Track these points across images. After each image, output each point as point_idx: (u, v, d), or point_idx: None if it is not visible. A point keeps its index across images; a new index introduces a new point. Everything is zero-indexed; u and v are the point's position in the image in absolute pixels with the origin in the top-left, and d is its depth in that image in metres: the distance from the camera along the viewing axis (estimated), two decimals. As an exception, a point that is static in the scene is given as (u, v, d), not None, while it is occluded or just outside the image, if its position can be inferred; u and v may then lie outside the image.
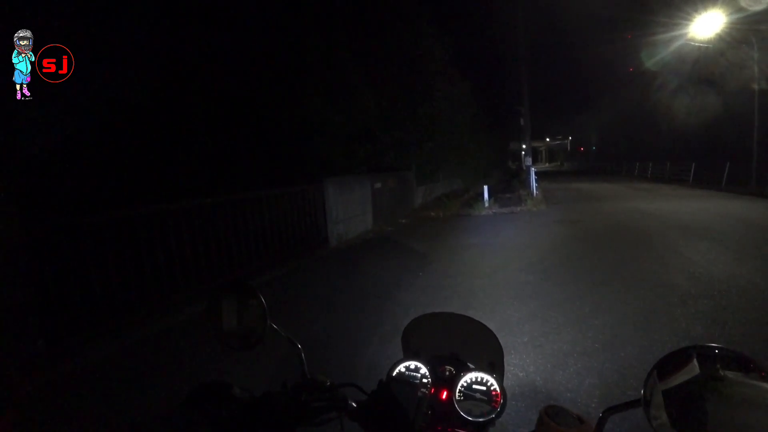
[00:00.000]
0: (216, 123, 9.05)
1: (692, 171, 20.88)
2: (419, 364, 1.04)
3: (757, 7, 14.19)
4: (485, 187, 14.03)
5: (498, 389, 0.96)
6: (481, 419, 0.90)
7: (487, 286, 5.45)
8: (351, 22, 11.19)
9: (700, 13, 15.75)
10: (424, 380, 1.01)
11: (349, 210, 9.45)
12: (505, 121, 27.71)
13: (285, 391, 0.84)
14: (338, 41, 10.50)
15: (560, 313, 4.32)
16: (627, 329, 3.81)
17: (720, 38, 16.64)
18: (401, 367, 1.05)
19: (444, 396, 0.97)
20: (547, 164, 68.92)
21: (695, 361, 0.59)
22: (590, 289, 5.11)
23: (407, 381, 1.00)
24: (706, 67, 20.06)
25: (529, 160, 19.08)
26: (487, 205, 13.45)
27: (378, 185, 11.12)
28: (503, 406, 0.94)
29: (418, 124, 13.86)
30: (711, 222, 9.23)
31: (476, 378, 0.98)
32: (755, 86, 15.25)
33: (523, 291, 5.18)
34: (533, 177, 16.53)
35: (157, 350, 4.16)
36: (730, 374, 0.57)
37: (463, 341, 1.15)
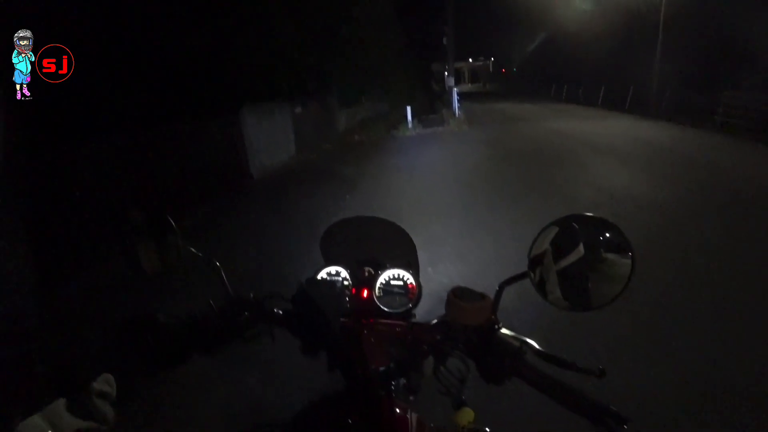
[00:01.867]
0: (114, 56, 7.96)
1: (601, 94, 22.10)
2: (339, 268, 1.08)
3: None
4: (408, 109, 14.01)
5: (414, 282, 1.04)
6: (398, 310, 0.98)
7: (414, 205, 5.68)
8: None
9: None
10: (345, 282, 1.06)
11: (271, 139, 9.11)
12: (429, 41, 27.16)
13: (211, 311, 0.84)
14: None
15: (481, 228, 4.63)
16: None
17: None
18: (323, 273, 1.08)
19: (365, 294, 1.03)
20: (469, 85, 69.48)
21: (581, 246, 0.70)
22: (510, 204, 5.50)
23: (325, 281, 1.04)
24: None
25: (451, 81, 19.19)
26: (411, 126, 13.54)
27: (299, 110, 10.71)
28: (418, 296, 1.02)
29: (337, 46, 13.20)
30: (614, 140, 10.18)
31: (393, 275, 1.05)
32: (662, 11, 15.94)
33: (449, 209, 5.46)
34: (456, 98, 16.71)
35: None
36: (609, 256, 0.70)
37: (380, 243, 1.21)
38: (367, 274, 1.07)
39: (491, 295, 0.80)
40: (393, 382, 0.98)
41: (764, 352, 2.40)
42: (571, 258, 0.70)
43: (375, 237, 1.24)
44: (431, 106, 20.55)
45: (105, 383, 0.62)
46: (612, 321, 2.67)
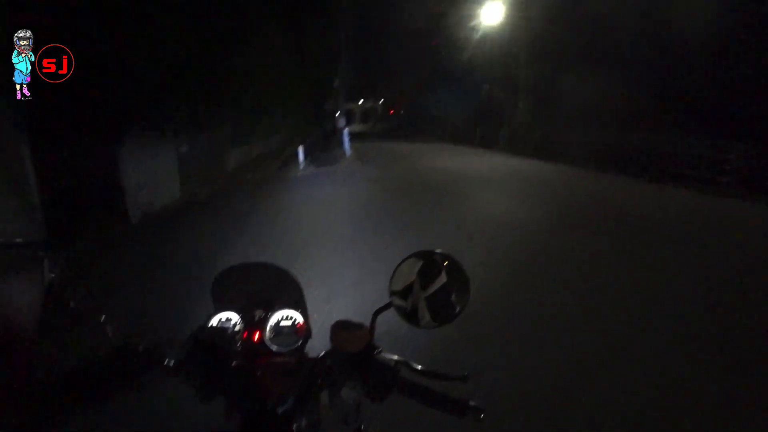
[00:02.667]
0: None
1: (477, 133, 24.77)
2: (230, 314, 1.11)
3: None
4: (300, 148, 14.13)
5: (302, 321, 1.12)
6: (289, 348, 1.04)
7: (306, 242, 5.73)
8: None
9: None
10: (237, 327, 1.09)
11: (153, 177, 8.49)
12: (323, 80, 27.84)
13: (96, 360, 0.83)
14: None
15: (375, 259, 4.86)
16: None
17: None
18: (213, 320, 1.10)
19: (256, 337, 1.07)
20: (361, 125, 71.72)
21: (443, 276, 0.87)
22: (395, 235, 5.83)
23: (216, 328, 1.07)
24: (489, 44, 23.81)
25: (342, 121, 19.77)
26: (302, 165, 13.63)
27: (185, 148, 10.18)
28: (307, 334, 1.10)
29: (231, 80, 12.90)
30: (491, 173, 11.79)
31: (283, 315, 1.12)
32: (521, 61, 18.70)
33: (340, 243, 5.64)
34: (347, 137, 17.25)
35: None
36: (454, 280, 0.88)
37: (268, 286, 1.27)
38: (257, 317, 1.11)
39: (368, 324, 0.92)
40: (295, 423, 1.05)
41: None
42: (436, 285, 0.88)
43: (263, 281, 1.29)
44: (324, 144, 20.92)
45: None
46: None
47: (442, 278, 0.88)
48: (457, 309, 0.87)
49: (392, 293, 0.91)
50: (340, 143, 17.58)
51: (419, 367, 0.82)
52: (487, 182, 10.13)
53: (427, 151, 19.66)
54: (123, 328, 0.90)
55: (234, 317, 1.11)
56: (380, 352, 0.87)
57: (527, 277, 4.45)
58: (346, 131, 17.66)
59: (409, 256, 0.91)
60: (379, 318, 0.89)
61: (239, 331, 1.08)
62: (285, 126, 19.63)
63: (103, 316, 0.89)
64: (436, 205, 7.81)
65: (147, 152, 8.38)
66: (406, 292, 0.89)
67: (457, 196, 8.53)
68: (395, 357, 0.85)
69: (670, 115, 12.74)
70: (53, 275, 0.89)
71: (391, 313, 0.90)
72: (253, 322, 1.11)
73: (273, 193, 9.86)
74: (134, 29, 8.51)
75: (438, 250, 0.91)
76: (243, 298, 1.21)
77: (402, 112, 60.84)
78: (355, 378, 0.86)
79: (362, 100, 78.95)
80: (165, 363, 0.86)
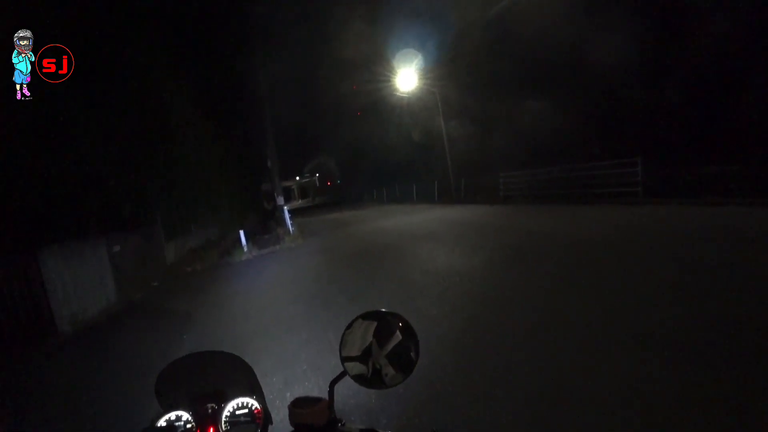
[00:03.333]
0: None
1: (414, 191, 26.36)
2: (179, 412, 1.03)
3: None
4: (241, 232, 13.86)
5: (259, 407, 1.04)
6: None
7: (257, 329, 5.48)
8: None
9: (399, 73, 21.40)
10: (188, 425, 0.99)
11: (82, 282, 7.91)
12: (256, 162, 28.03)
13: None
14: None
15: (329, 335, 4.72)
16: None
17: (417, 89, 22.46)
18: (161, 422, 1.01)
19: None
20: (300, 201, 72.26)
21: (398, 333, 0.89)
22: (350, 303, 5.81)
23: (163, 429, 0.98)
24: (408, 109, 25.85)
25: (281, 199, 19.73)
26: (246, 249, 13.30)
27: (117, 248, 9.64)
28: (266, 420, 1.03)
29: (158, 170, 12.66)
30: (431, 227, 12.06)
31: (238, 404, 1.04)
32: (441, 123, 20.56)
33: (292, 323, 5.43)
34: (287, 215, 17.21)
35: None
36: (405, 335, 0.92)
37: (218, 375, 1.18)
38: (210, 410, 1.04)
39: (326, 397, 0.87)
40: None
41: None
42: (393, 342, 0.87)
43: (212, 370, 1.20)
44: (264, 226, 20.65)
45: None
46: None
47: (397, 336, 0.89)
48: (415, 360, 0.89)
49: (347, 359, 0.89)
50: (282, 221, 17.44)
51: None
52: (431, 235, 10.47)
53: (368, 215, 20.29)
54: None
55: (184, 415, 1.03)
56: (344, 423, 0.84)
57: (485, 318, 4.50)
58: (285, 209, 17.63)
59: (355, 320, 0.94)
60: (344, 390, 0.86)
61: (191, 429, 1.01)
62: (221, 213, 19.33)
63: None
64: (380, 266, 7.89)
65: (74, 257, 7.82)
66: (365, 356, 0.87)
67: (402, 253, 8.70)
68: (360, 426, 0.82)
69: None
70: None
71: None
72: (206, 416, 1.03)
73: (215, 282, 9.44)
74: (51, 129, 8.28)
75: (384, 310, 0.92)
76: (192, 393, 1.13)
77: (339, 182, 62.28)
78: None
79: (297, 177, 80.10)
80: None
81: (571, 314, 4.21)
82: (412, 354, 0.88)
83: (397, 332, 0.87)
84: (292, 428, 0.86)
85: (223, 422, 1.00)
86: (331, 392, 0.87)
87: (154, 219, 13.08)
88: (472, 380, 3.29)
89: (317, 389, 3.49)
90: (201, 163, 15.86)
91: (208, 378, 1.17)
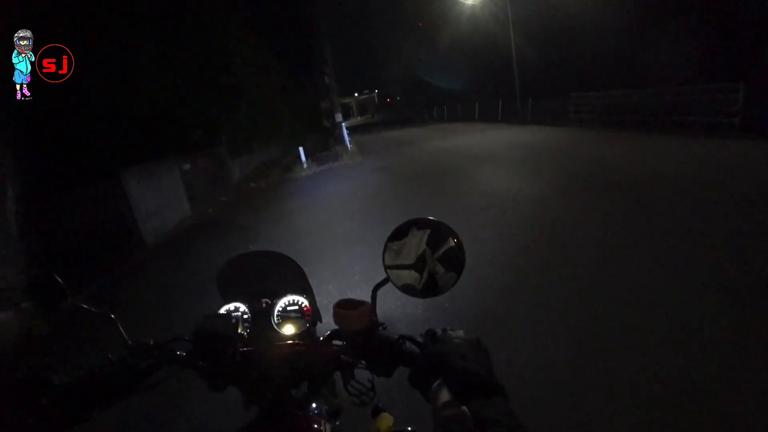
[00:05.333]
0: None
1: (476, 109, 24.59)
2: (237, 304, 1.13)
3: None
4: (301, 149, 14.17)
5: (308, 305, 1.13)
6: (297, 332, 1.04)
7: (316, 242, 5.78)
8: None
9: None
10: (245, 315, 1.10)
11: (160, 200, 8.65)
12: (314, 80, 27.79)
13: (109, 362, 0.83)
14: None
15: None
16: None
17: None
18: (221, 311, 1.11)
19: (264, 324, 1.08)
20: (359, 118, 71.72)
21: (451, 239, 0.87)
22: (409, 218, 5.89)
23: (222, 315, 1.05)
24: (473, 20, 23.60)
25: (339, 117, 19.75)
26: (306, 166, 13.67)
27: (187, 167, 10.33)
28: (314, 317, 1.11)
29: (221, 96, 13.03)
30: (492, 148, 11.52)
31: (289, 301, 1.13)
32: (512, 37, 18.40)
33: (349, 238, 5.66)
34: (345, 132, 17.22)
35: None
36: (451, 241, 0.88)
37: (272, 274, 1.28)
38: (264, 304, 1.12)
39: (369, 302, 0.89)
40: (315, 406, 1.02)
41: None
42: (445, 247, 0.87)
43: (267, 269, 1.31)
44: (324, 143, 20.91)
45: None
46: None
47: (450, 242, 0.87)
48: (463, 263, 0.87)
49: (395, 267, 0.90)
50: (341, 138, 17.54)
51: (420, 340, 0.81)
52: (491, 158, 10.11)
53: (428, 134, 19.60)
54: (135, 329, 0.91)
55: (241, 306, 1.13)
56: (385, 327, 0.87)
57: (543, 243, 4.46)
58: (344, 126, 17.63)
59: (409, 228, 0.90)
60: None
61: (247, 319, 1.10)
62: (282, 132, 19.71)
63: (113, 316, 0.89)
64: (441, 187, 7.81)
65: (152, 177, 8.51)
66: (420, 264, 0.88)
67: (463, 175, 8.50)
68: (401, 333, 0.84)
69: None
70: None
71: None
72: (260, 309, 1.12)
73: (279, 198, 9.91)
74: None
75: (432, 218, 0.89)
76: (248, 288, 1.22)
77: (399, 99, 60.51)
78: (362, 355, 0.85)
79: (356, 94, 78.83)
80: (176, 356, 0.87)
81: (628, 254, 3.92)
82: (461, 258, 0.85)
83: (450, 239, 0.88)
84: (336, 327, 0.91)
85: (275, 315, 1.09)
86: (373, 296, 0.90)
87: (219, 140, 13.69)
88: (519, 303, 3.32)
89: (367, 298, 3.71)
90: (261, 85, 15.99)
91: (263, 276, 1.28)
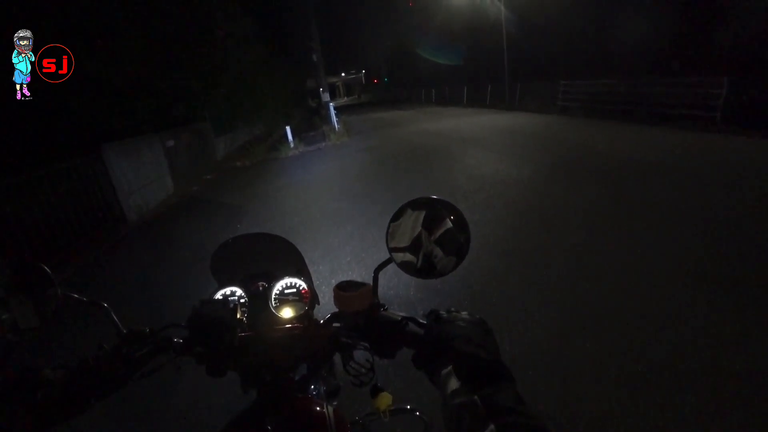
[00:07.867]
0: None
1: (465, 93, 24.50)
2: (233, 288, 1.10)
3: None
4: (288, 128, 13.96)
5: (306, 287, 1.11)
6: (295, 315, 1.02)
7: (304, 221, 5.74)
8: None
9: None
10: (241, 300, 1.08)
11: (143, 176, 8.42)
12: (300, 59, 27.34)
13: (103, 352, 0.81)
14: None
15: (374, 230, 4.91)
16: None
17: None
18: (217, 295, 1.09)
19: (261, 307, 1.06)
20: (345, 99, 70.93)
21: (448, 220, 0.84)
22: (394, 203, 5.84)
23: (219, 300, 1.04)
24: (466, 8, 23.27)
25: (326, 96, 19.44)
26: (292, 145, 13.48)
27: (170, 143, 10.08)
28: (312, 300, 1.10)
29: (202, 69, 12.68)
30: (480, 133, 11.47)
31: (286, 284, 1.11)
32: (503, 23, 18.26)
33: (338, 217, 5.63)
34: (332, 112, 17.02)
35: None
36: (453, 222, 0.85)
37: (268, 257, 1.26)
38: (261, 287, 1.11)
39: (370, 283, 0.87)
40: (313, 388, 1.01)
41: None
42: (442, 229, 0.84)
43: (263, 252, 1.29)
44: (310, 122, 20.64)
45: None
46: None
47: (447, 223, 0.84)
48: (466, 247, 0.83)
49: (395, 249, 0.87)
50: (328, 118, 17.33)
51: (423, 321, 0.79)
52: (479, 141, 10.10)
53: (415, 116, 19.57)
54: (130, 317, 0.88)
55: (237, 290, 1.10)
56: (386, 308, 0.85)
57: (524, 230, 4.52)
58: (331, 106, 17.39)
59: (404, 210, 0.87)
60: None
61: (244, 303, 1.08)
62: (266, 109, 19.37)
63: (105, 305, 0.87)
64: (427, 168, 7.81)
65: (133, 153, 8.28)
66: (415, 246, 0.86)
67: (449, 157, 8.54)
68: (401, 314, 0.83)
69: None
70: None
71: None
72: (256, 293, 1.10)
73: (264, 176, 9.78)
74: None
75: (433, 197, 0.87)
76: (244, 271, 1.20)
77: (386, 80, 60.01)
78: (364, 337, 0.84)
79: (343, 73, 77.84)
80: (172, 343, 0.85)
81: (613, 239, 4.00)
82: (463, 240, 0.84)
83: (447, 219, 0.84)
84: (336, 310, 0.89)
85: (273, 298, 1.07)
86: (375, 278, 0.87)
87: (203, 116, 13.39)
88: (509, 285, 3.36)
89: (360, 279, 3.70)
90: (244, 61, 15.61)
91: (259, 258, 1.25)
